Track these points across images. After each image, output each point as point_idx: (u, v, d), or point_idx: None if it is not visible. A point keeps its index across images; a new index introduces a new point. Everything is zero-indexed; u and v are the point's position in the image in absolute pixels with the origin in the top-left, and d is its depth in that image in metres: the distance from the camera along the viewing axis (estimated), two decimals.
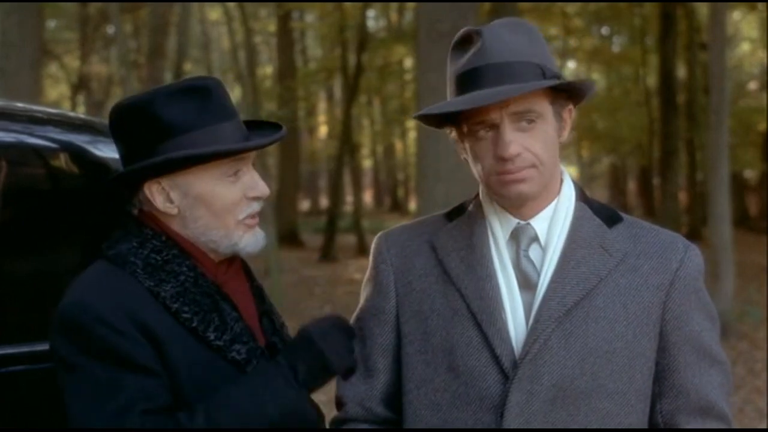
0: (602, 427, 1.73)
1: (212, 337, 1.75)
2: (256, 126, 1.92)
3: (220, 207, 1.79)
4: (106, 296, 1.70)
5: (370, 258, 1.93)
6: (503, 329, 1.74)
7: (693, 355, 1.78)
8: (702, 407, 1.79)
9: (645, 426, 1.79)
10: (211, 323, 1.75)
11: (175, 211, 1.79)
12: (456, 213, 1.87)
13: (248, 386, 1.71)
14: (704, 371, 1.79)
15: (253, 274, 1.99)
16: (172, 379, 1.71)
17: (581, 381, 1.72)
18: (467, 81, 1.71)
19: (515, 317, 1.76)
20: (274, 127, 1.92)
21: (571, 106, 1.78)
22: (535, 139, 1.71)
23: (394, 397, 1.87)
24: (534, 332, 1.72)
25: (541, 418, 1.71)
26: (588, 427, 1.72)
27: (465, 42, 1.75)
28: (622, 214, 1.85)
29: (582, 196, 1.83)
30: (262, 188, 1.82)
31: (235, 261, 1.89)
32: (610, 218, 1.82)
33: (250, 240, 1.83)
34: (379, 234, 1.96)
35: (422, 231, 1.89)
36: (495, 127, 1.70)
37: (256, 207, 1.83)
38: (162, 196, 1.79)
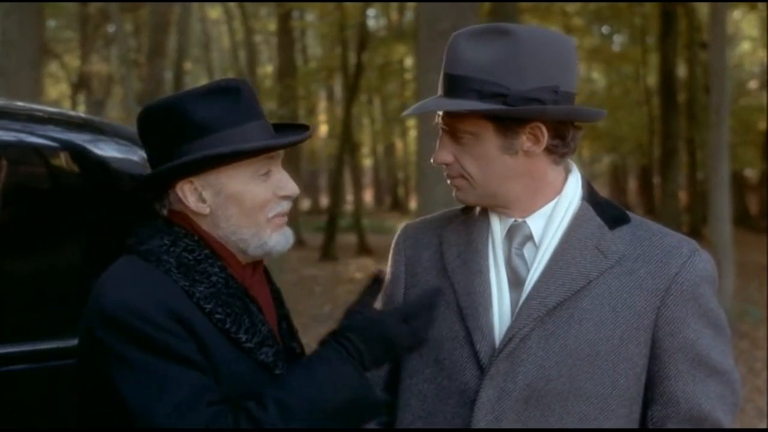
0: (576, 428, 1.72)
1: (243, 338, 1.75)
2: (280, 128, 1.94)
3: (251, 206, 1.80)
4: (147, 294, 1.69)
5: (391, 248, 1.98)
6: (485, 325, 1.75)
7: (686, 363, 1.74)
8: (693, 417, 1.76)
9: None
10: (242, 325, 1.76)
11: (207, 210, 1.79)
12: (470, 208, 1.89)
13: (315, 372, 1.70)
14: (699, 381, 1.75)
15: (272, 277, 2.00)
16: (215, 375, 1.70)
17: (558, 382, 1.71)
18: (439, 85, 1.78)
19: (501, 314, 1.77)
20: (298, 128, 1.95)
21: (537, 124, 1.72)
22: (467, 154, 1.75)
23: (396, 384, 1.91)
24: (511, 330, 1.73)
25: (513, 417, 1.71)
26: (562, 428, 1.71)
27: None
28: (632, 216, 1.82)
29: (589, 196, 1.82)
30: (292, 187, 1.84)
31: (260, 264, 1.91)
32: (615, 219, 1.80)
33: (280, 239, 1.84)
34: (403, 224, 2.01)
35: (437, 224, 1.93)
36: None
37: (285, 206, 1.85)
38: (194, 195, 1.79)
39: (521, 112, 1.69)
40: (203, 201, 1.79)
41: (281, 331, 1.92)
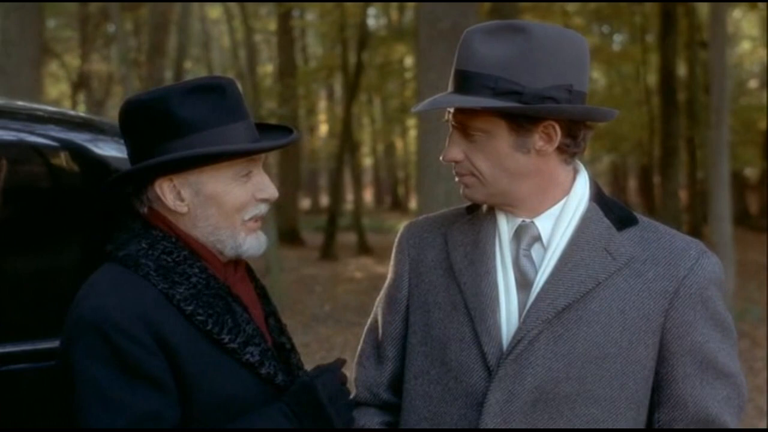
0: (584, 428, 1.72)
1: (226, 339, 1.74)
2: (265, 128, 1.92)
3: (231, 207, 1.78)
4: (124, 302, 1.68)
5: (393, 246, 1.96)
6: (493, 327, 1.74)
7: (694, 366, 1.74)
8: (701, 420, 1.75)
9: None
10: (225, 325, 1.74)
11: (185, 209, 1.78)
12: (475, 207, 1.88)
13: (254, 426, 1.70)
14: (706, 383, 1.75)
15: (255, 274, 1.99)
16: (185, 389, 1.69)
17: (566, 385, 1.70)
18: (450, 81, 1.76)
19: (509, 316, 1.75)
20: (284, 129, 1.93)
21: (550, 122, 1.71)
22: (478, 152, 1.73)
23: (401, 385, 1.90)
24: (520, 332, 1.72)
25: (521, 419, 1.71)
26: (570, 429, 1.71)
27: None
28: (640, 217, 1.82)
29: (597, 197, 1.81)
30: (271, 191, 1.83)
31: (241, 263, 1.90)
32: (623, 221, 1.79)
33: (253, 243, 1.83)
34: (405, 223, 1.99)
35: (441, 223, 1.91)
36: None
37: (263, 209, 1.84)
38: (173, 194, 1.78)
39: (537, 110, 1.68)
40: (181, 200, 1.78)
41: (269, 328, 1.91)
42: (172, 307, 1.71)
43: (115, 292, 1.70)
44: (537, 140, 1.72)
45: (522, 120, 1.69)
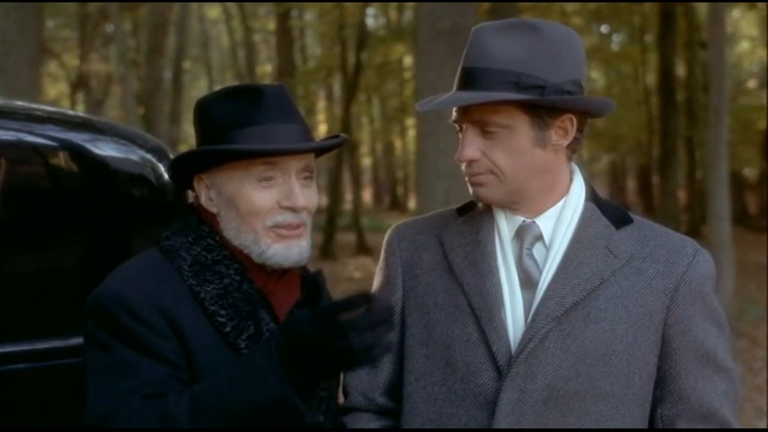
0: (595, 428, 1.72)
1: (242, 345, 1.71)
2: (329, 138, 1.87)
3: (246, 211, 1.74)
4: (142, 289, 1.68)
5: (382, 249, 1.94)
6: (501, 326, 1.74)
7: (695, 361, 1.77)
8: (703, 414, 1.78)
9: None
10: (245, 331, 1.72)
11: (214, 209, 1.78)
12: (468, 208, 1.87)
13: (235, 372, 1.61)
14: (707, 378, 1.77)
15: (320, 289, 1.76)
16: (194, 379, 1.68)
17: (576, 382, 1.72)
18: (458, 79, 1.76)
19: (515, 315, 1.76)
20: (336, 140, 1.86)
21: (569, 116, 1.73)
22: (497, 148, 1.72)
23: (397, 388, 1.88)
24: (530, 331, 1.72)
25: (533, 418, 1.71)
26: (581, 428, 1.72)
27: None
28: (634, 216, 1.84)
29: (592, 197, 1.83)
30: (297, 199, 1.75)
31: (291, 272, 1.83)
32: (619, 219, 1.81)
33: (279, 250, 1.75)
34: (393, 226, 1.97)
35: (433, 225, 1.90)
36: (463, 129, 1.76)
37: (290, 218, 1.76)
38: (205, 193, 1.79)
39: (568, 102, 1.71)
40: (211, 199, 1.79)
41: None
42: (197, 305, 1.71)
43: (138, 281, 1.71)
44: (553, 135, 1.74)
45: (543, 114, 1.71)
